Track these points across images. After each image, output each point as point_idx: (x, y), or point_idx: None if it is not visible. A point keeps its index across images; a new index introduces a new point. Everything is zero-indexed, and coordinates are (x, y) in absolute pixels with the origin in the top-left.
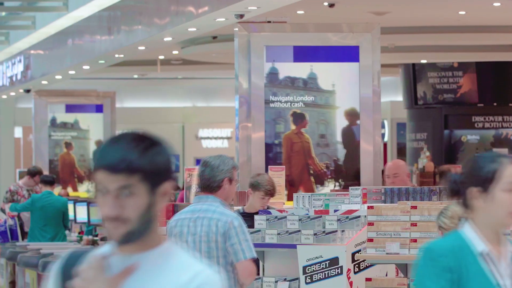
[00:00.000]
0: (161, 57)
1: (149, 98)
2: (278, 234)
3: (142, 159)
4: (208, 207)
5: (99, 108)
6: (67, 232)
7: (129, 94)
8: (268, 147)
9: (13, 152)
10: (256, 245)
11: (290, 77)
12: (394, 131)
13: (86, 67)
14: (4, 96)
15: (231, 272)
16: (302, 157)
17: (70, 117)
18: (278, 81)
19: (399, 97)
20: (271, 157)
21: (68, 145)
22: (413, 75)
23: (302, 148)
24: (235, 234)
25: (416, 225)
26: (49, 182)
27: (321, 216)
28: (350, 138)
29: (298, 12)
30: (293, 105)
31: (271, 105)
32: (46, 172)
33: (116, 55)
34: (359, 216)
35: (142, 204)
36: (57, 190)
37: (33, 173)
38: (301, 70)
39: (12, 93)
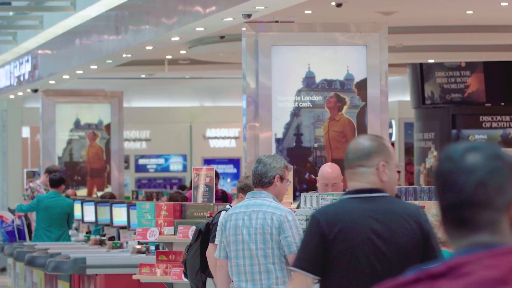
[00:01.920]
0: (169, 56)
1: (157, 98)
2: None
3: None
4: (263, 202)
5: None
6: (74, 231)
7: (136, 94)
8: (307, 150)
9: (21, 152)
10: None
11: (327, 79)
12: (401, 130)
13: (93, 66)
14: (12, 96)
15: (284, 264)
16: (348, 134)
17: (94, 118)
18: (315, 84)
19: (407, 97)
20: (311, 161)
21: (91, 136)
22: (421, 74)
23: (343, 126)
24: (289, 228)
25: None
26: (55, 182)
27: None
28: None
29: (306, 12)
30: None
31: (310, 109)
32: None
33: (124, 55)
34: None
35: None
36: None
37: (51, 171)
38: (338, 71)
39: (20, 93)
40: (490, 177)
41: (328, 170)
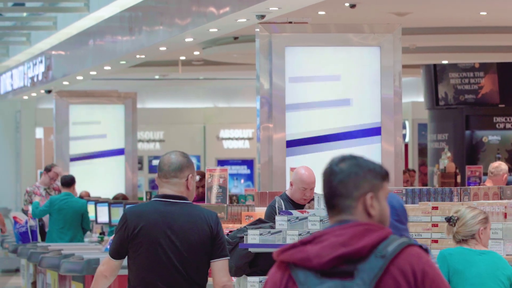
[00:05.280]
0: (182, 57)
1: (170, 99)
2: (299, 235)
3: None
4: None
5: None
6: (88, 233)
7: (150, 95)
8: None
9: (34, 152)
10: (277, 246)
11: None
12: (415, 131)
13: (107, 67)
14: (25, 97)
15: None
16: None
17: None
18: None
19: (420, 98)
20: None
21: None
22: (434, 75)
23: None
24: None
25: (437, 226)
26: (67, 183)
27: None
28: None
29: (320, 12)
30: None
31: None
32: (66, 172)
33: (137, 56)
34: None
35: None
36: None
37: (48, 169)
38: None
39: (33, 94)
40: (348, 178)
41: (305, 173)
